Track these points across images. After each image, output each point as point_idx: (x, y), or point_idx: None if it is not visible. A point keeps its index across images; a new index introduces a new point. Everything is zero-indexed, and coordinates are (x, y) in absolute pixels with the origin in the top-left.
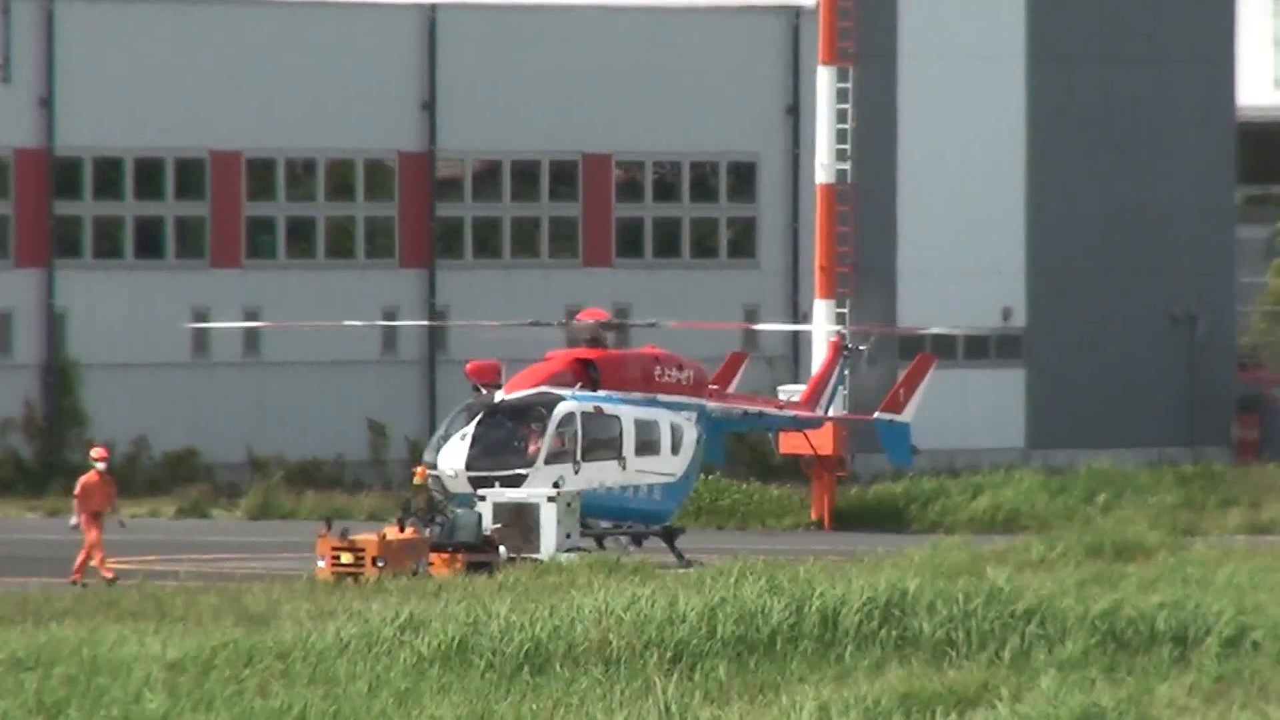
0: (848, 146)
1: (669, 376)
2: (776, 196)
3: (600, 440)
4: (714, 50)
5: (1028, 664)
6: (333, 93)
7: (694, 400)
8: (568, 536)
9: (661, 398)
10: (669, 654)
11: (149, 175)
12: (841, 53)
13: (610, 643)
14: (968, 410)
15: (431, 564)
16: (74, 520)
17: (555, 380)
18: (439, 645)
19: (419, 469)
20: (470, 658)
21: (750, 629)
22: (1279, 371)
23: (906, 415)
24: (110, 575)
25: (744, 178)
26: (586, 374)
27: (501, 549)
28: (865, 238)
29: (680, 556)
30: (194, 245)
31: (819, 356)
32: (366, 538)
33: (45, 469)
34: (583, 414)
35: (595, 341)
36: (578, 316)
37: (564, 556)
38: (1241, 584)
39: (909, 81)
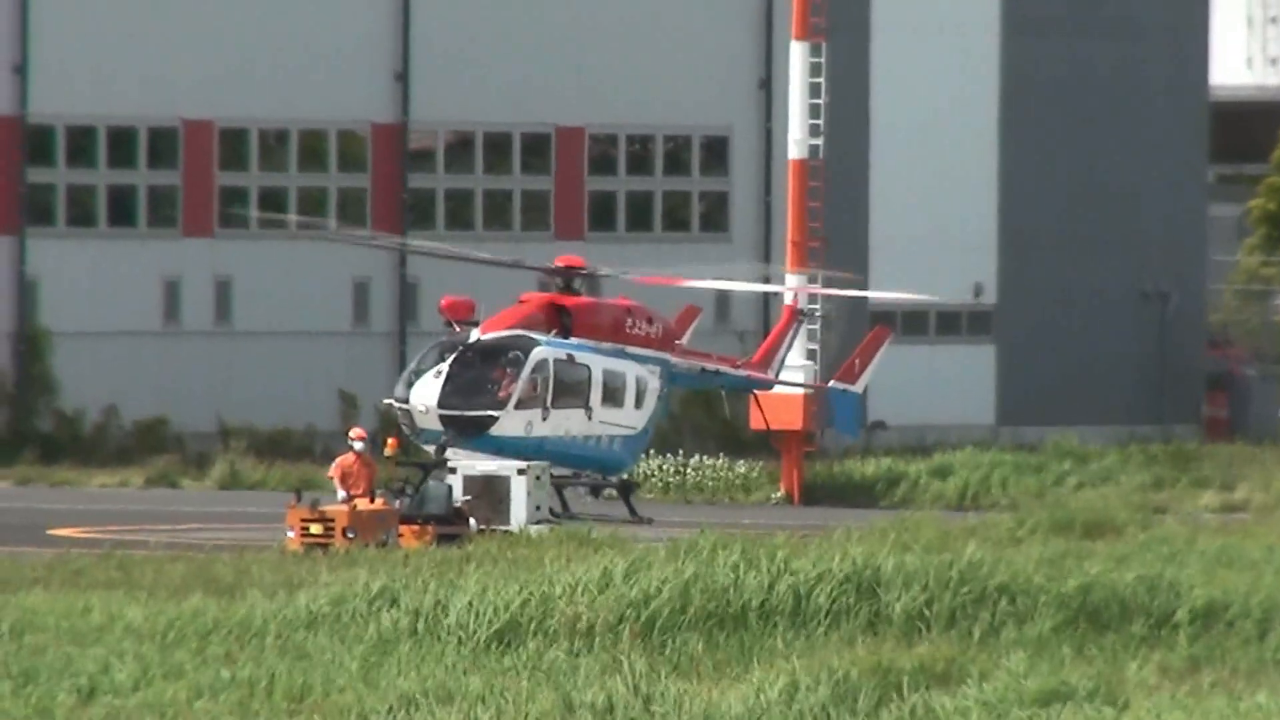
0: (820, 121)
1: (639, 329)
2: (749, 170)
3: (570, 388)
4: (687, 24)
5: (998, 640)
6: (306, 62)
7: (660, 354)
8: (538, 509)
9: (629, 349)
10: (639, 627)
11: (122, 144)
12: (814, 28)
13: (582, 618)
14: (938, 385)
15: (401, 535)
16: (341, 495)
17: (528, 323)
18: (409, 619)
19: (390, 440)
20: (439, 632)
21: (722, 604)
22: (1249, 350)
23: (858, 386)
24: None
25: (716, 152)
26: (559, 319)
27: (471, 521)
28: (837, 211)
29: (634, 512)
30: (166, 214)
31: None
32: (336, 508)
33: (15, 437)
34: (555, 361)
35: (569, 288)
36: (555, 261)
37: (534, 529)
38: (1213, 561)
39: (881, 53)
